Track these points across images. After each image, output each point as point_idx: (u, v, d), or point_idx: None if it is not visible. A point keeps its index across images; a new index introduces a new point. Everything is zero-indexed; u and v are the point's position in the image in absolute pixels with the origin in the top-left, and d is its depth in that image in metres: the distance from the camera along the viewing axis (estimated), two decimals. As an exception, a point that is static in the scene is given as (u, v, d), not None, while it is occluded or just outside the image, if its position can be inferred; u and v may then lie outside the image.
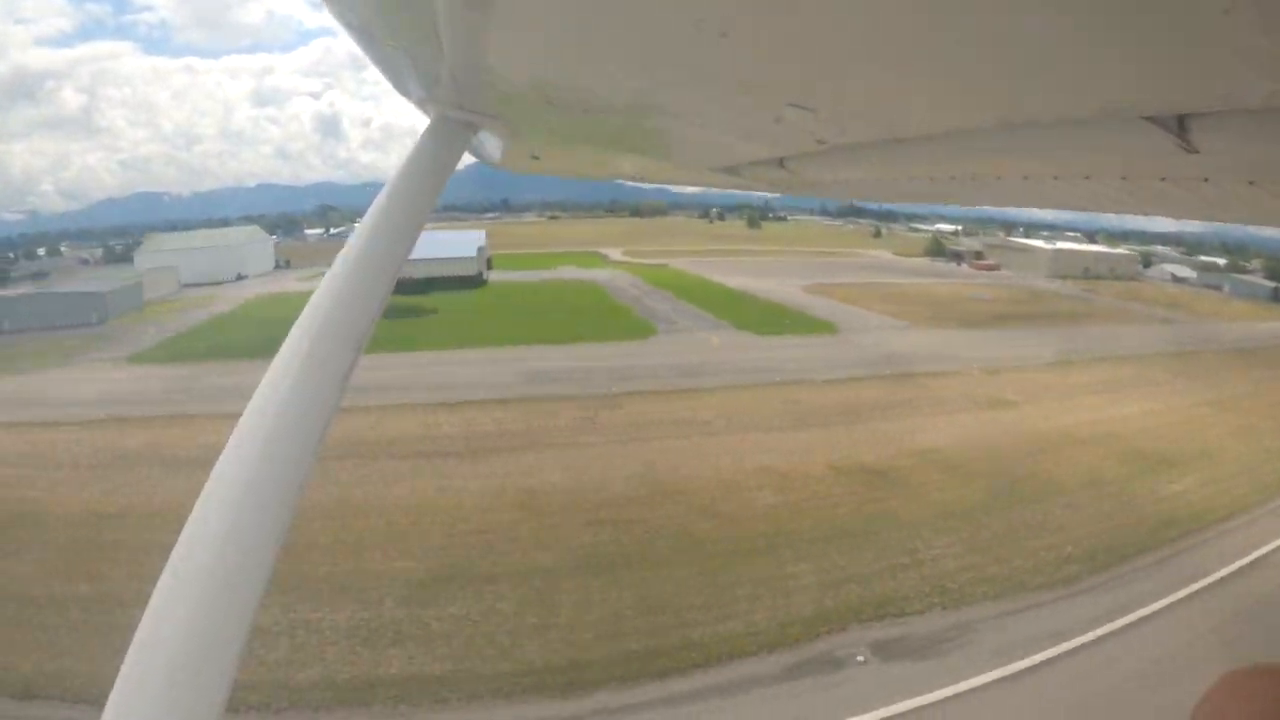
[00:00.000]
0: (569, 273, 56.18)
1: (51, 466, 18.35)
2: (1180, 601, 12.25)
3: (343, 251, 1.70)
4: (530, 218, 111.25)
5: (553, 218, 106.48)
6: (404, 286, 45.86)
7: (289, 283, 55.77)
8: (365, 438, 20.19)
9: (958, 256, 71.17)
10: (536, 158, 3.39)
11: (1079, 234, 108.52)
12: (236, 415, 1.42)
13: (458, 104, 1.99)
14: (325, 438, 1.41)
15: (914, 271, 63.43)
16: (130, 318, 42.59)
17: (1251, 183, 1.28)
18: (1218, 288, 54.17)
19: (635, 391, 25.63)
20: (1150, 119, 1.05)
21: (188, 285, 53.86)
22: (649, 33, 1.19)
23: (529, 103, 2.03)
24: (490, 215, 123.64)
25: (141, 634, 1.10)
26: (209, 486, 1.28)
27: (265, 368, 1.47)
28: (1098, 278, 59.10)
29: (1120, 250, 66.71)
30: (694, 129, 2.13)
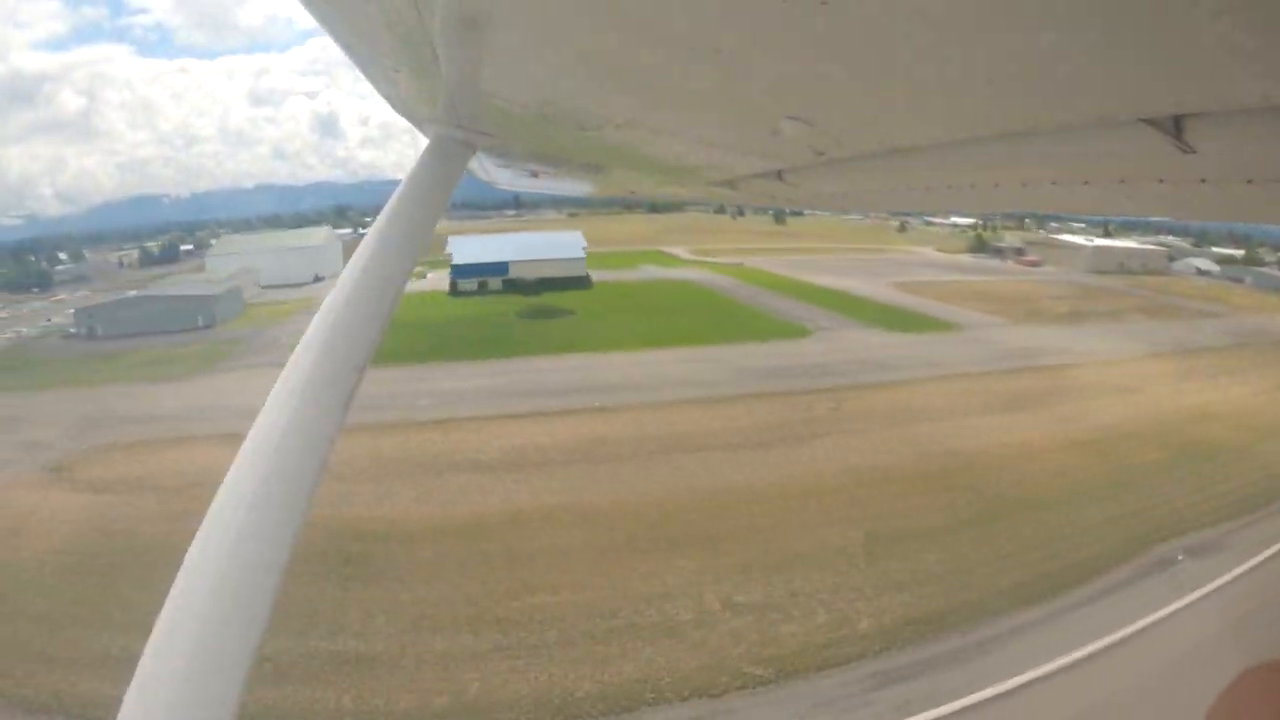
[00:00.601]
0: (654, 272, 63.24)
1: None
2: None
3: (345, 270, 2.04)
4: (551, 215, 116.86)
5: (572, 215, 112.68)
6: (515, 286, 51.87)
7: None
8: (661, 434, 26.77)
9: (999, 252, 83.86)
10: (535, 175, 3.98)
11: (1085, 225, 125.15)
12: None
13: (456, 123, 2.36)
14: (330, 454, 1.69)
15: (969, 269, 74.96)
16: (236, 322, 45.88)
17: (1249, 181, 1.56)
18: (1240, 280, 68.75)
19: (841, 386, 33.47)
20: (1147, 121, 1.27)
21: (266, 288, 56.80)
22: (644, 50, 1.47)
23: (527, 121, 2.39)
24: (510, 213, 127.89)
25: (155, 639, 1.32)
26: (216, 504, 1.53)
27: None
28: (1131, 272, 72.64)
29: (1149, 246, 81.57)
30: (692, 144, 2.49)
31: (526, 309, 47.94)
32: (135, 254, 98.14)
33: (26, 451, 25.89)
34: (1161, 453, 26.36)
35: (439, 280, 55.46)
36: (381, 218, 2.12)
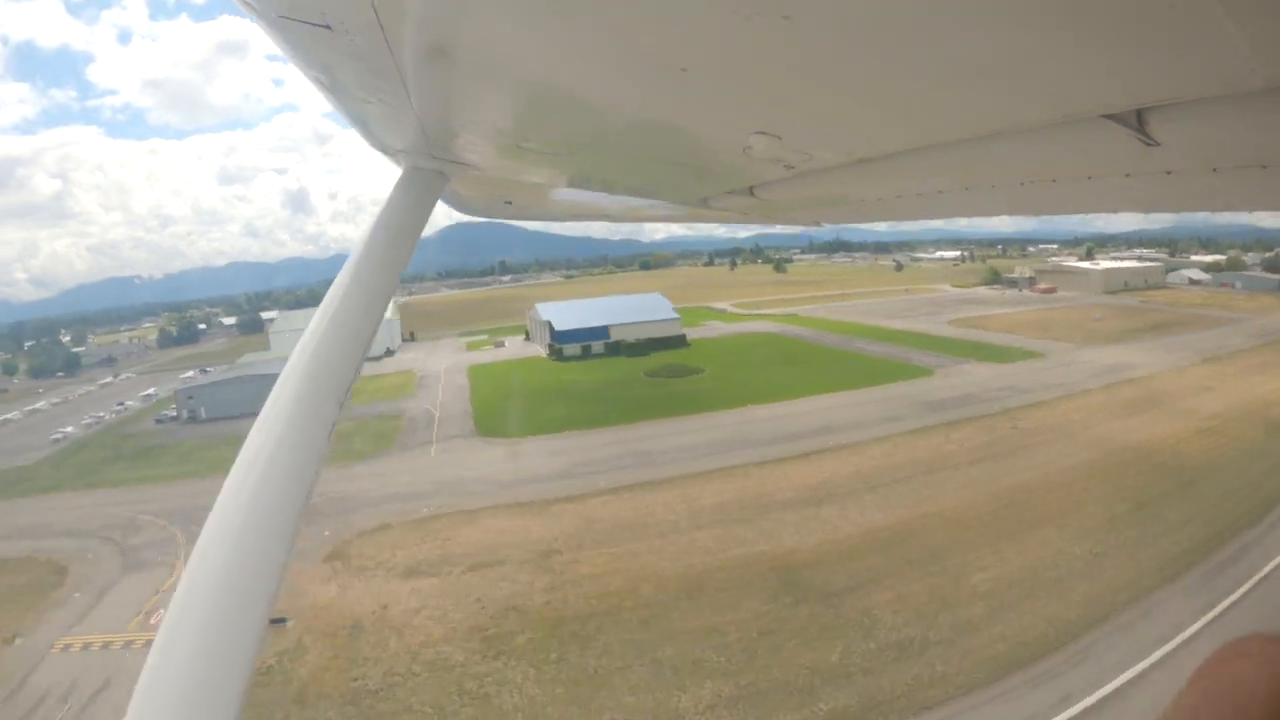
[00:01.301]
0: (721, 327, 76.86)
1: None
2: None
3: (322, 305, 2.38)
4: (549, 278, 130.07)
5: (568, 277, 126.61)
6: (616, 349, 63.42)
7: (446, 354, 73.17)
8: (897, 463, 39.50)
9: (1013, 283, 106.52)
10: (509, 203, 4.61)
11: (1057, 245, 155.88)
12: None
13: (429, 153, 2.74)
14: (313, 491, 2.05)
15: (996, 301, 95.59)
16: (354, 398, 53.70)
17: (1215, 170, 1.92)
18: (1231, 285, 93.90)
19: (997, 411, 47.99)
20: (1110, 117, 1.56)
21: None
22: (613, 73, 1.77)
23: (500, 149, 2.81)
24: (505, 279, 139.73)
25: (159, 639, 1.76)
26: (201, 544, 1.91)
27: (637, 428, 20.20)
28: (1134, 289, 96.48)
29: (1148, 264, 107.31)
30: (664, 164, 2.96)
31: (652, 369, 59.88)
32: (150, 335, 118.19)
33: None
34: (1260, 427, 42.76)
35: (519, 347, 65.77)
36: (358, 249, 2.61)
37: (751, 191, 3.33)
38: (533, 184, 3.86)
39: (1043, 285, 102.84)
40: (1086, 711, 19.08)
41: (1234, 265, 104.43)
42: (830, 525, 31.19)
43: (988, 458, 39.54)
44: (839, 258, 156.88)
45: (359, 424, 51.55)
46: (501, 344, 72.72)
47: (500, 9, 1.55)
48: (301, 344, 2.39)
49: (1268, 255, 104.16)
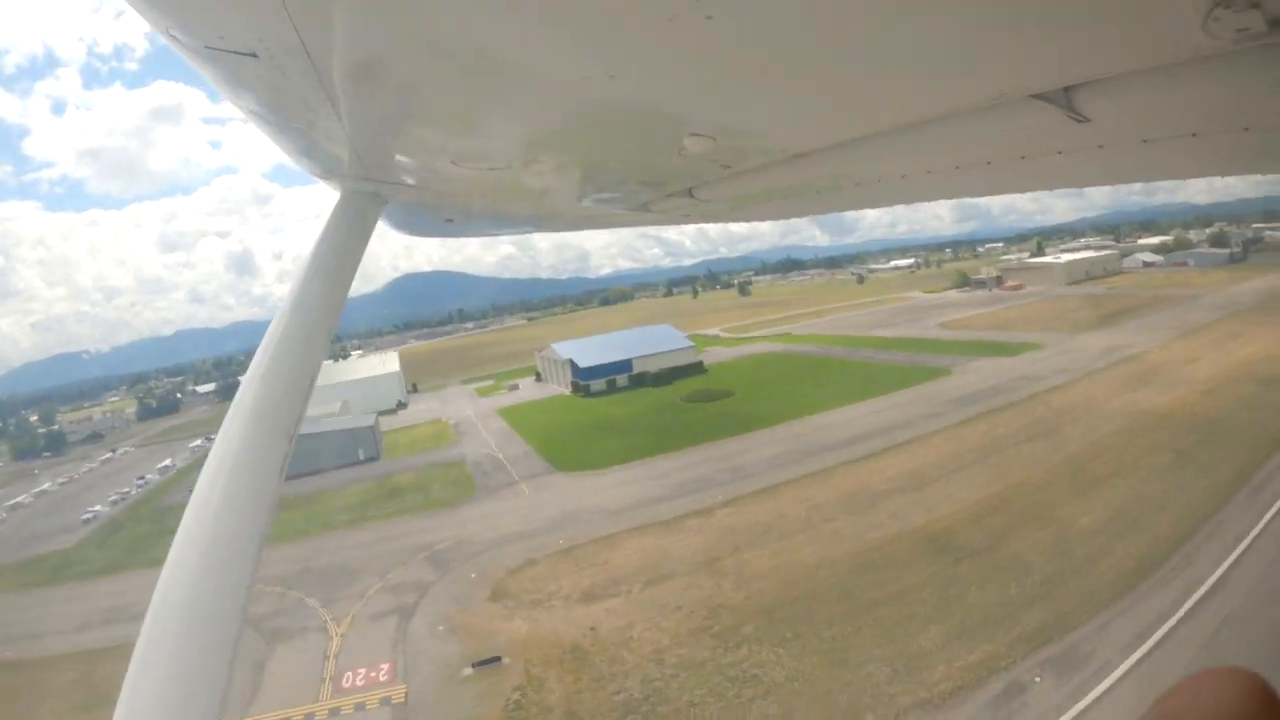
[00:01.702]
0: (724, 352, 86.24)
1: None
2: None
3: (267, 336, 2.63)
4: (513, 321, 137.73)
5: (531, 319, 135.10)
6: (640, 380, 71.88)
7: (462, 401, 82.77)
8: (960, 450, 49.78)
9: (982, 284, 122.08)
10: (450, 221, 5.07)
11: (1003, 243, 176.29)
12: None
13: (364, 175, 3.02)
14: (269, 526, 2.34)
15: (972, 302, 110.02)
16: (390, 452, 59.90)
17: (1145, 141, 2.32)
18: (1184, 264, 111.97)
19: (1023, 398, 59.17)
20: (1039, 96, 1.91)
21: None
22: (542, 84, 2.02)
23: (435, 166, 3.09)
24: (468, 325, 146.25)
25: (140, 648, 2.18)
26: (161, 588, 2.21)
27: (720, 445, 31.71)
28: (1095, 278, 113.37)
29: (1105, 252, 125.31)
30: (603, 171, 3.35)
31: (686, 395, 68.50)
32: (128, 408, 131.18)
33: (422, 592, 38.93)
34: (1251, 384, 55.66)
35: (534, 389, 74.10)
36: (298, 279, 2.83)
37: (691, 193, 3.97)
38: (472, 199, 4.24)
39: (1010, 283, 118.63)
40: (1208, 593, 28.60)
41: (1181, 245, 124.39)
42: (940, 502, 40.25)
43: (1038, 435, 50.05)
44: (795, 276, 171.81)
45: (423, 473, 57.88)
46: (516, 387, 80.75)
47: (424, 28, 1.87)
48: (249, 376, 2.71)
49: (1210, 231, 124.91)
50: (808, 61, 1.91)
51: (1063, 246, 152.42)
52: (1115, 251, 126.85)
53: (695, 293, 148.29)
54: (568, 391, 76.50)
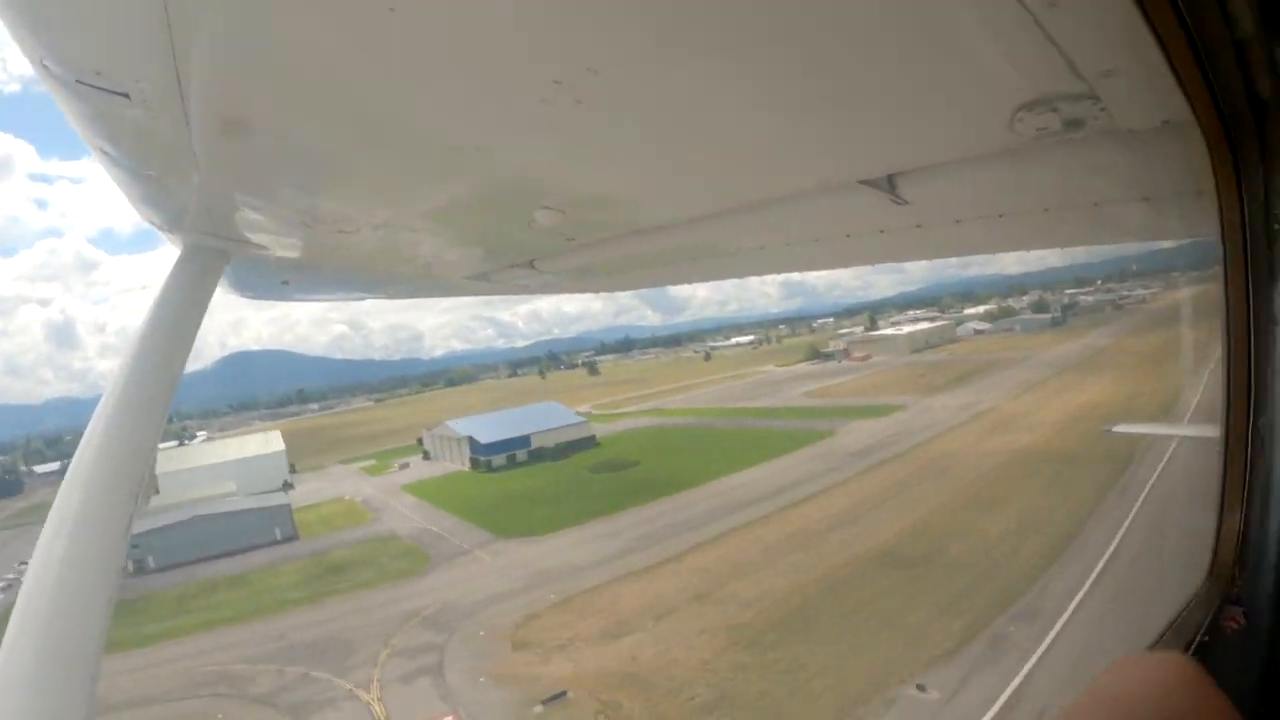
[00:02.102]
0: (603, 428, 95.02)
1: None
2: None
3: (105, 394, 2.84)
4: (360, 403, 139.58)
5: (379, 400, 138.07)
6: (539, 456, 79.63)
7: (354, 480, 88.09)
8: (880, 492, 62.29)
9: (830, 356, 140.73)
10: (286, 283, 5.40)
11: (834, 318, 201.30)
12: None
13: (212, 230, 3.26)
14: (119, 580, 2.58)
15: (825, 373, 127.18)
16: (306, 530, 65.14)
17: (958, 221, 3.50)
18: (1012, 329, 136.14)
19: (907, 449, 73.34)
20: (865, 182, 2.80)
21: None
22: (412, 155, 2.46)
23: (284, 227, 3.46)
24: (313, 407, 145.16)
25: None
26: (3, 653, 2.41)
27: (643, 509, 48.51)
28: (934, 346, 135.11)
29: (940, 324, 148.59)
30: (449, 239, 3.86)
31: (592, 467, 76.86)
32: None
33: (438, 651, 43.94)
34: (1092, 421, 73.04)
35: (425, 467, 79.85)
36: (136, 337, 3.02)
37: (532, 264, 4.45)
38: (317, 261, 4.47)
39: (858, 354, 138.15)
40: (1112, 555, 40.90)
41: (1006, 313, 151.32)
42: (878, 528, 51.43)
43: (933, 474, 63.33)
44: (637, 355, 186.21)
45: (360, 549, 63.05)
46: (407, 465, 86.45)
47: (302, 87, 2.11)
48: (86, 439, 2.83)
49: (1028, 298, 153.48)
50: (662, 142, 2.57)
51: (893, 319, 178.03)
52: (950, 321, 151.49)
53: (542, 373, 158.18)
54: (466, 468, 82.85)
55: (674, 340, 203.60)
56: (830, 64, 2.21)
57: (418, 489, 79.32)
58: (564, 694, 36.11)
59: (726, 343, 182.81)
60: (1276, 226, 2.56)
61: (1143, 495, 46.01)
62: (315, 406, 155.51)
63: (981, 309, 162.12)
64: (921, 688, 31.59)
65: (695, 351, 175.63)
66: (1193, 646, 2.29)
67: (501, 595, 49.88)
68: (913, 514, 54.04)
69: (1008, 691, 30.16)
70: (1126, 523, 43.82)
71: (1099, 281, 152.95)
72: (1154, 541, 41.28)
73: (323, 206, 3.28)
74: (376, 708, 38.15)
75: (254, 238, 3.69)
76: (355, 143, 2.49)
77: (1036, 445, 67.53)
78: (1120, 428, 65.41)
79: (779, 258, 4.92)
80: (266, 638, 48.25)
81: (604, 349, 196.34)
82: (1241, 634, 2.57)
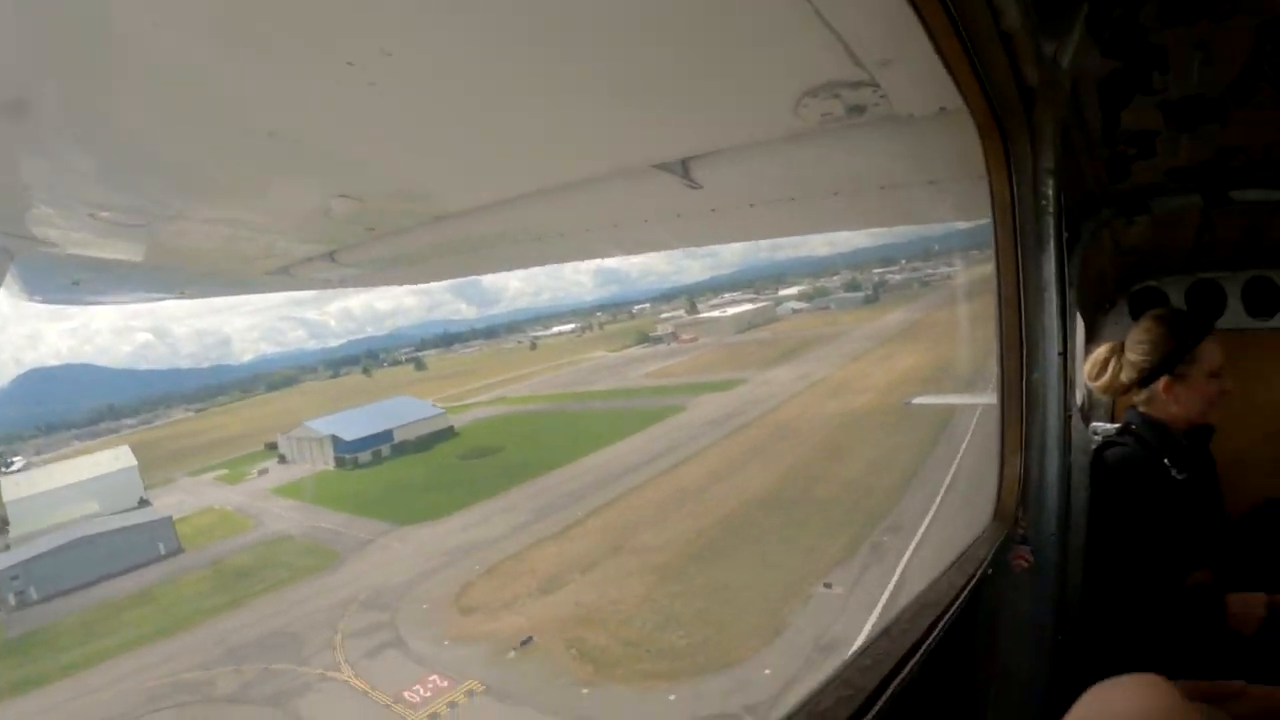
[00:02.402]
0: (455, 419, 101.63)
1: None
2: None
3: None
4: (181, 414, 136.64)
5: (199, 411, 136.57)
6: (402, 449, 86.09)
7: (213, 491, 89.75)
8: (735, 458, 74.39)
9: (660, 340, 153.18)
10: (78, 283, 5.37)
11: (649, 304, 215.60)
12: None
13: None
14: None
15: (660, 355, 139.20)
16: (189, 542, 68.78)
17: (751, 205, 4.45)
18: (828, 308, 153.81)
19: (755, 417, 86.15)
20: (659, 166, 3.65)
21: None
22: (194, 135, 2.60)
23: (70, 220, 3.45)
24: (131, 421, 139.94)
25: None
26: None
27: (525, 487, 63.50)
28: (756, 326, 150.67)
29: (762, 304, 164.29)
30: (244, 231, 4.03)
31: (460, 454, 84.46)
32: None
33: (390, 627, 50.76)
34: (914, 384, 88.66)
35: (284, 471, 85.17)
36: None
37: (333, 257, 4.67)
38: (105, 260, 4.42)
39: (686, 336, 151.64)
40: (949, 486, 54.05)
41: (821, 292, 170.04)
42: (750, 483, 63.04)
43: (785, 435, 76.08)
44: (459, 348, 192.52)
45: (258, 552, 67.04)
46: (266, 470, 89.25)
47: (87, 64, 2.08)
48: None
49: (838, 278, 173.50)
50: (458, 127, 2.75)
51: (712, 302, 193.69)
52: (770, 303, 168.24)
53: (366, 371, 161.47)
54: (331, 467, 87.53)
55: (493, 332, 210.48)
56: (619, 49, 2.65)
57: (290, 491, 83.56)
58: (530, 639, 43.67)
59: (548, 332, 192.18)
60: (1044, 203, 2.90)
61: (965, 441, 59.79)
62: (132, 421, 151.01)
63: (796, 290, 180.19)
64: (829, 585, 42.74)
65: (519, 342, 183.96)
66: (974, 580, 2.55)
67: (428, 573, 57.12)
68: (778, 466, 66.26)
69: (894, 579, 41.55)
70: (955, 462, 57.32)
71: (904, 261, 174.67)
72: (967, 481, 54.60)
73: (109, 196, 3.38)
74: (357, 683, 43.12)
75: (39, 233, 3.70)
76: (141, 126, 2.67)
77: (872, 404, 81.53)
78: (918, 400, 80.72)
79: (581, 243, 5.50)
80: (204, 645, 51.90)
81: (424, 344, 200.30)
82: (1030, 570, 2.99)
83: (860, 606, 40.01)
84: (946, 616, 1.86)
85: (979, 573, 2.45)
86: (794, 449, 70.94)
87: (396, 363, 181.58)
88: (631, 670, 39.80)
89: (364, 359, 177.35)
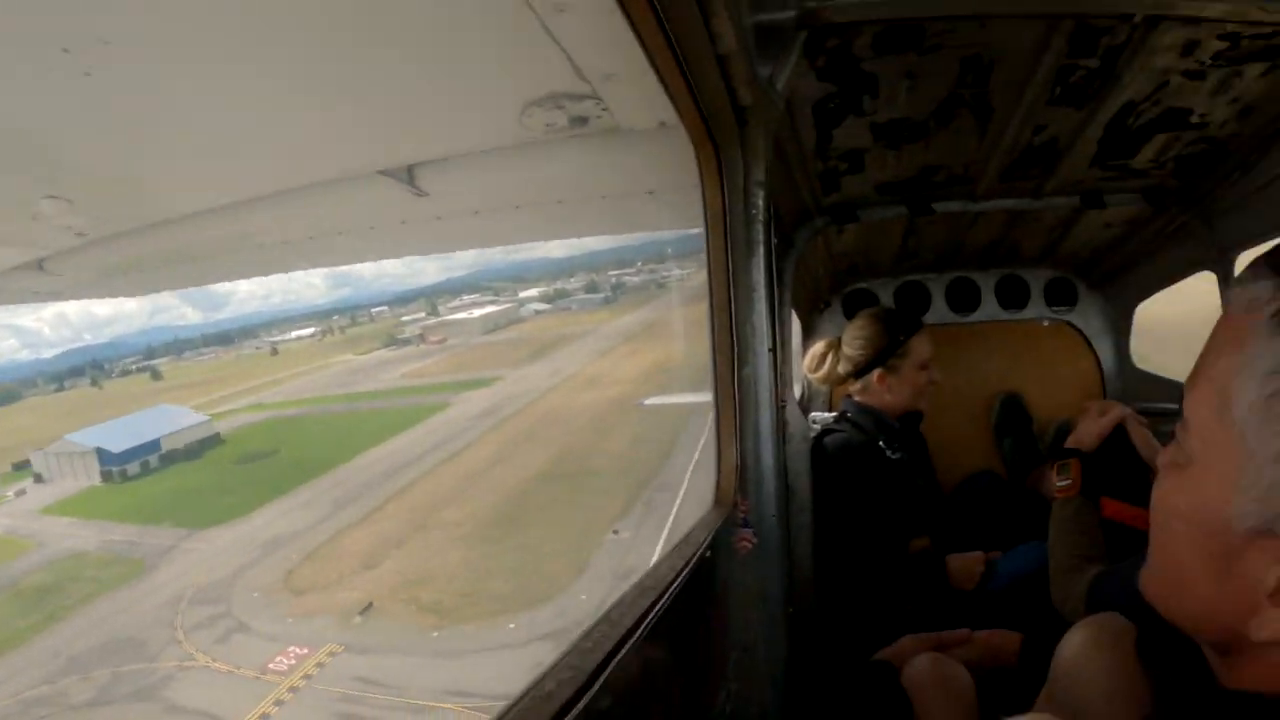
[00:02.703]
0: (219, 425, 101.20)
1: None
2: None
3: None
4: None
5: None
6: (173, 457, 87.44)
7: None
8: (514, 438, 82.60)
9: (407, 342, 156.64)
10: None
11: (387, 306, 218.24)
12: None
13: None
14: None
15: (411, 357, 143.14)
16: None
17: (476, 212, 4.20)
18: (569, 309, 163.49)
19: (518, 410, 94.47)
20: (384, 172, 3.36)
21: None
22: None
23: None
24: None
25: None
26: None
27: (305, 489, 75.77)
28: (502, 327, 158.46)
29: (505, 306, 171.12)
30: None
31: (236, 459, 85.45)
32: None
33: (229, 615, 53.70)
34: (659, 374, 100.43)
35: (44, 491, 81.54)
36: None
37: (42, 265, 4.20)
38: None
39: (434, 338, 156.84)
40: (701, 454, 64.96)
41: (561, 294, 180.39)
42: (531, 461, 71.26)
43: (550, 422, 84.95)
44: (190, 355, 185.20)
45: (54, 571, 65.80)
46: (24, 491, 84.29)
47: None
48: None
49: (574, 280, 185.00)
50: (178, 125, 2.55)
51: (450, 304, 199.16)
52: (514, 304, 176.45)
53: (96, 383, 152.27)
54: (98, 482, 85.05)
55: (228, 338, 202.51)
56: (346, 50, 2.60)
57: (65, 509, 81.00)
58: (371, 605, 48.91)
59: (287, 336, 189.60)
60: (754, 212, 2.96)
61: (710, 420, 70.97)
62: None
63: (537, 291, 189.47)
64: (616, 532, 51.90)
65: (258, 348, 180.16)
66: (693, 562, 2.49)
67: (247, 566, 60.53)
68: (552, 447, 74.89)
69: (669, 524, 51.13)
70: (707, 430, 68.31)
71: (640, 263, 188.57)
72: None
73: None
74: (219, 666, 45.83)
75: None
76: None
77: (625, 393, 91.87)
78: (649, 401, 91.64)
79: (305, 252, 5.24)
80: (38, 661, 51.41)
81: (152, 352, 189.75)
82: (755, 551, 3.09)
83: (646, 543, 49.14)
84: (664, 598, 1.93)
85: (697, 555, 2.44)
86: (562, 433, 79.68)
87: (127, 372, 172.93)
88: (470, 613, 46.58)
89: (89, 369, 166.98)
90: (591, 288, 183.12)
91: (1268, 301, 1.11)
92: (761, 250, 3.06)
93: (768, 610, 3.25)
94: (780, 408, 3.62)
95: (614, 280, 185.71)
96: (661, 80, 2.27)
